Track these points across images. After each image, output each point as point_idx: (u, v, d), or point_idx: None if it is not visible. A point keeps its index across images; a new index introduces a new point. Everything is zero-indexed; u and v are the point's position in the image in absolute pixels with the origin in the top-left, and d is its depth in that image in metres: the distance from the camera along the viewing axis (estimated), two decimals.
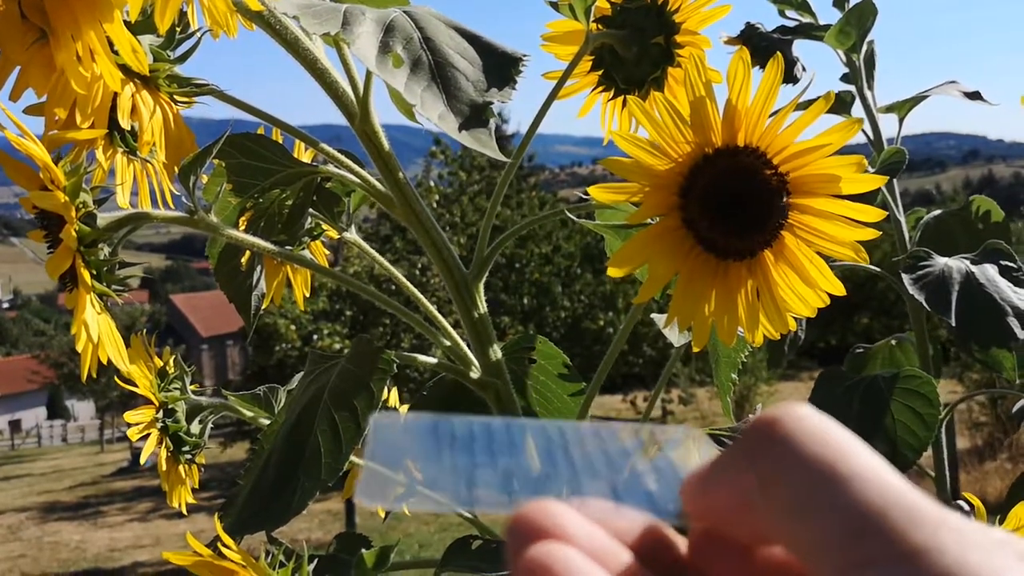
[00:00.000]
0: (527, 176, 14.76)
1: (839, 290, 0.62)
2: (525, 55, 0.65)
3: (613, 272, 0.61)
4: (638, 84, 0.82)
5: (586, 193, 0.68)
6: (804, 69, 1.44)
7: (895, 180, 1.30)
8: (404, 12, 0.65)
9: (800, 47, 1.45)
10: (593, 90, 0.85)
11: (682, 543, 0.29)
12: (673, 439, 0.32)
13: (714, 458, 0.28)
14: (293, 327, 11.80)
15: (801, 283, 0.62)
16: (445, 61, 0.62)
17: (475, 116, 0.60)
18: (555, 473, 0.29)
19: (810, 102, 0.59)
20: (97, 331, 0.60)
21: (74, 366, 22.58)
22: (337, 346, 10.82)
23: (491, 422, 0.30)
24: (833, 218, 0.60)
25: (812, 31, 1.42)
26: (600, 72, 0.83)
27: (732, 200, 0.59)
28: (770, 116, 0.58)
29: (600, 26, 0.80)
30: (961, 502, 0.93)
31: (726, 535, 0.28)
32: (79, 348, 0.60)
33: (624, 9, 0.80)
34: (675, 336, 0.86)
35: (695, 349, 0.66)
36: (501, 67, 0.63)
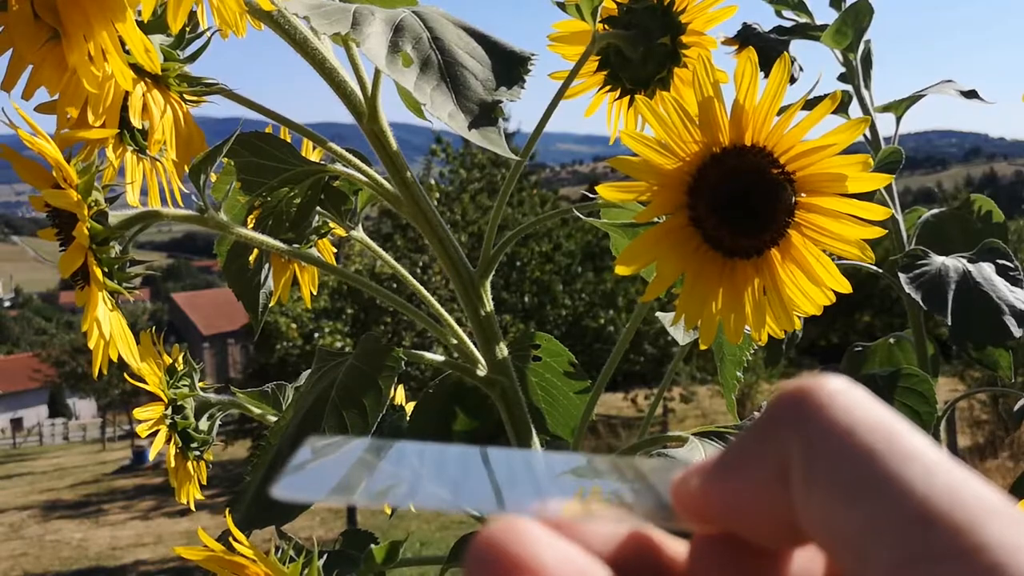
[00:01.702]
0: (528, 174, 14.78)
1: (845, 288, 0.63)
2: (533, 54, 0.66)
3: (621, 270, 0.62)
4: (644, 84, 0.82)
5: (589, 191, 0.68)
6: (801, 69, 1.45)
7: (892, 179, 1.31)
8: (413, 12, 0.65)
9: (797, 47, 1.45)
10: (599, 90, 0.85)
11: (673, 547, 0.25)
12: (654, 466, 0.27)
13: (730, 444, 0.24)
14: (294, 325, 11.83)
15: (808, 281, 0.62)
16: (454, 60, 0.63)
17: (484, 115, 0.60)
18: (514, 484, 0.25)
19: (813, 101, 0.59)
20: (108, 328, 0.61)
21: (75, 364, 22.61)
22: (339, 344, 10.83)
23: (446, 449, 0.26)
24: (839, 216, 0.61)
25: (809, 31, 1.42)
26: (606, 72, 0.83)
27: (739, 199, 0.60)
28: (776, 116, 0.59)
29: (606, 26, 0.80)
30: None
31: (739, 536, 0.24)
32: (91, 345, 0.61)
33: (630, 10, 0.80)
34: (680, 334, 0.86)
35: (701, 347, 0.66)
36: (509, 66, 0.64)
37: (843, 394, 0.22)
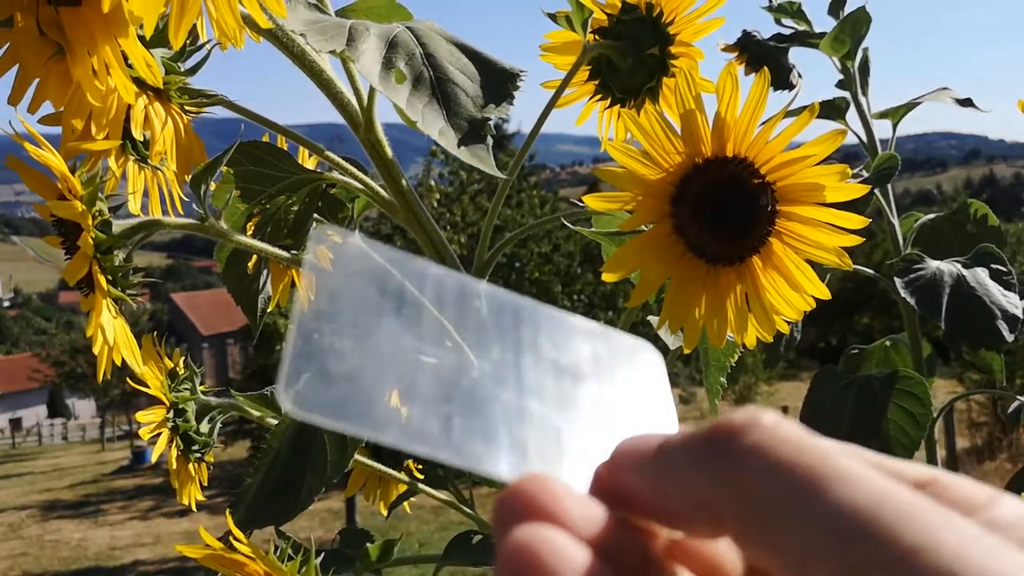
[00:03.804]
0: (528, 175, 14.79)
1: (824, 294, 0.65)
2: (522, 70, 0.68)
3: (607, 277, 0.64)
4: (634, 93, 0.84)
5: (579, 199, 0.70)
6: (800, 76, 1.47)
7: (890, 183, 1.33)
8: (407, 27, 0.67)
9: (796, 54, 1.48)
10: (591, 98, 0.87)
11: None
12: (624, 350, 0.29)
13: (663, 458, 0.25)
14: None
15: (788, 287, 0.65)
16: (446, 77, 0.64)
17: (474, 132, 0.62)
18: (498, 401, 0.27)
19: (801, 109, 0.61)
20: (112, 334, 0.63)
21: (75, 364, 22.61)
22: None
23: (444, 280, 0.28)
24: (818, 225, 0.63)
25: (808, 39, 1.44)
26: (597, 81, 0.85)
27: (721, 208, 0.62)
28: (758, 126, 0.61)
29: (597, 37, 0.83)
30: None
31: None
32: (96, 350, 0.63)
33: (620, 21, 0.82)
34: (670, 339, 0.88)
35: (686, 351, 0.68)
36: (499, 83, 0.66)
37: (776, 432, 0.23)
